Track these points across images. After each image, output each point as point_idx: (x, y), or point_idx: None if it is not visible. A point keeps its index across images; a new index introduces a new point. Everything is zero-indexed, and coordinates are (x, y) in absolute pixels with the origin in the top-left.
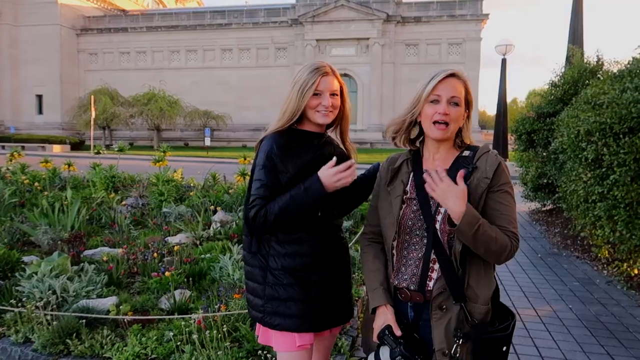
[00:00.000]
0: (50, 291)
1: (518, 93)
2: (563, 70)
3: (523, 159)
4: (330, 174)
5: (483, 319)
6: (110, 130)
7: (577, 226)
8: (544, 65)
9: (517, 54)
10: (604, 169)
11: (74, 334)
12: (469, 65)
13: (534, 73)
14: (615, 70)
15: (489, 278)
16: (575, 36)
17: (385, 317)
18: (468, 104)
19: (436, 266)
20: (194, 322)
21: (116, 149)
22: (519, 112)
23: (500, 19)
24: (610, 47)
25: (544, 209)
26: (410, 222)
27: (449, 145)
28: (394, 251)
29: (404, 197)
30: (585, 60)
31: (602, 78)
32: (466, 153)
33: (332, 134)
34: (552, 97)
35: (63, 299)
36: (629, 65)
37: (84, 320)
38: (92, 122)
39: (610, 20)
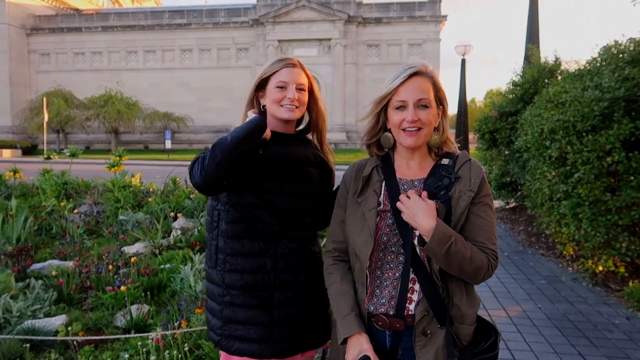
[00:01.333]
0: None
1: (476, 93)
2: (522, 69)
3: (486, 158)
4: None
5: (470, 340)
6: (65, 134)
7: (542, 224)
8: (500, 66)
9: (474, 55)
10: (568, 167)
11: (18, 359)
12: None
13: (490, 74)
14: (572, 70)
15: (473, 294)
16: (532, 36)
17: (360, 346)
18: (441, 101)
19: (416, 286)
20: (152, 340)
21: (67, 154)
22: (478, 111)
23: (457, 22)
24: (563, 47)
25: (507, 206)
26: (385, 238)
27: (424, 151)
28: (367, 271)
29: (378, 209)
30: (543, 60)
31: (560, 77)
32: (445, 161)
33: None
34: (514, 96)
35: (5, 320)
36: (588, 65)
37: (28, 344)
38: (44, 126)
39: (562, 23)
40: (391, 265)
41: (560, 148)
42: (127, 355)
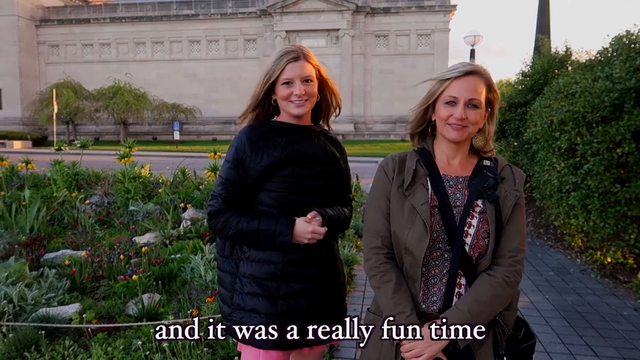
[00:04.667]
0: (5, 300)
1: None
2: (532, 60)
3: (495, 149)
4: (306, 230)
5: (512, 327)
6: (75, 125)
7: (550, 215)
8: (508, 56)
9: (483, 45)
10: (577, 159)
11: (33, 346)
12: (437, 57)
13: (500, 64)
14: (583, 60)
15: None
16: (543, 26)
17: None
18: (491, 104)
19: (462, 280)
20: None
21: (78, 145)
22: None
23: (467, 11)
24: (575, 37)
25: None
26: (435, 234)
27: (467, 150)
28: (423, 268)
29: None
30: (553, 50)
31: (570, 68)
32: (487, 162)
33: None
34: (523, 87)
35: (21, 308)
36: (599, 55)
37: (43, 331)
38: (54, 117)
39: (573, 12)
40: (437, 262)
41: (570, 139)
42: (139, 342)
